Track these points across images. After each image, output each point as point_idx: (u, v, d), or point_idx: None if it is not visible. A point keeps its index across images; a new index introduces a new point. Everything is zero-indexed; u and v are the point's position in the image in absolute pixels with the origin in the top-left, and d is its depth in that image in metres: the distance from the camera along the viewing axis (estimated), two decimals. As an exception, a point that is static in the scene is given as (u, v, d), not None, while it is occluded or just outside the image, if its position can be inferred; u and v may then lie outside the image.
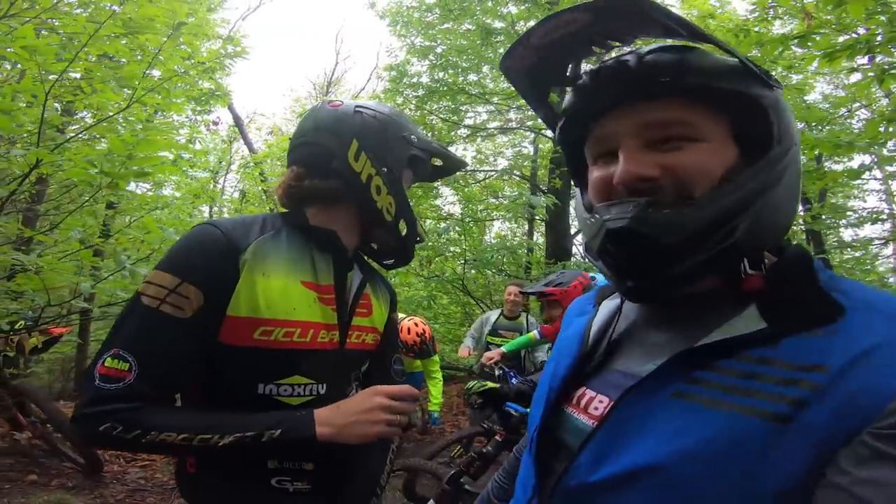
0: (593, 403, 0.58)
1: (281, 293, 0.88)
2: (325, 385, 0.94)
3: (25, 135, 3.22)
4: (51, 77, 2.94)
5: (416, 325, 3.96)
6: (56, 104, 3.98)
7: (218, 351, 0.85)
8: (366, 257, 1.14)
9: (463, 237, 7.28)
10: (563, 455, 0.57)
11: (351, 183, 0.96)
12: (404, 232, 1.03)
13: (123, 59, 3.76)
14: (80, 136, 3.81)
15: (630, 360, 0.59)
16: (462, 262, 6.85)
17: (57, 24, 2.98)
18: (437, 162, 1.12)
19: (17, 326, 3.45)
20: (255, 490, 0.90)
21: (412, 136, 1.02)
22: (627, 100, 0.55)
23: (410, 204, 1.03)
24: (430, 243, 6.59)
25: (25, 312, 3.41)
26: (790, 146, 0.53)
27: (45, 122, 2.92)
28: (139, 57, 3.76)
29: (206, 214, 10.40)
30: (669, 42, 0.55)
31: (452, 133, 7.94)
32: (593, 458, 0.51)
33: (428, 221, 7.61)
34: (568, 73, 0.61)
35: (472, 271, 7.64)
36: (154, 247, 3.28)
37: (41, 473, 3.13)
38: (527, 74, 0.61)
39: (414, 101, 7.56)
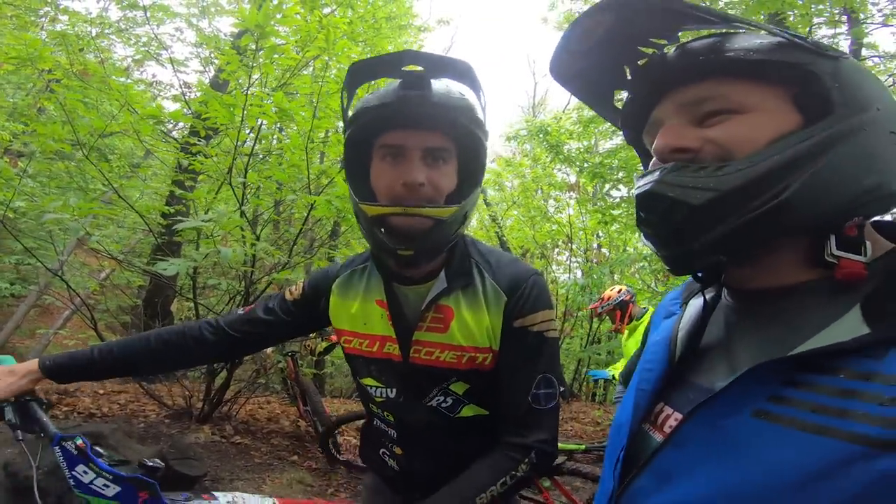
0: (668, 422, 0.53)
1: (357, 311, 1.05)
2: (394, 390, 1.04)
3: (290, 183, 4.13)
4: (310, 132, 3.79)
5: (620, 290, 4.17)
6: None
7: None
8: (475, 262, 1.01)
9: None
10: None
11: None
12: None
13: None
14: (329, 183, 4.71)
15: (714, 371, 0.53)
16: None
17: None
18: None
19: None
20: (375, 454, 1.13)
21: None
22: (672, 87, 0.54)
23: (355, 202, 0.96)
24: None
25: None
26: (862, 110, 0.47)
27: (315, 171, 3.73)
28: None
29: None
30: (713, 30, 0.55)
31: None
32: (655, 480, 0.48)
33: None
34: (628, 76, 0.61)
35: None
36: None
37: (302, 455, 3.84)
38: (580, 79, 0.62)
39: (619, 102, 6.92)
